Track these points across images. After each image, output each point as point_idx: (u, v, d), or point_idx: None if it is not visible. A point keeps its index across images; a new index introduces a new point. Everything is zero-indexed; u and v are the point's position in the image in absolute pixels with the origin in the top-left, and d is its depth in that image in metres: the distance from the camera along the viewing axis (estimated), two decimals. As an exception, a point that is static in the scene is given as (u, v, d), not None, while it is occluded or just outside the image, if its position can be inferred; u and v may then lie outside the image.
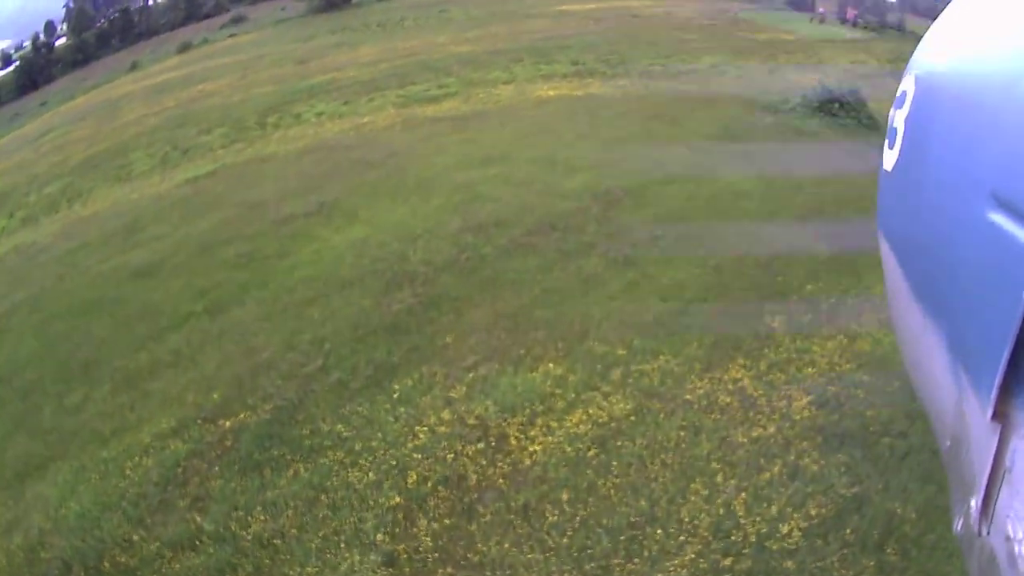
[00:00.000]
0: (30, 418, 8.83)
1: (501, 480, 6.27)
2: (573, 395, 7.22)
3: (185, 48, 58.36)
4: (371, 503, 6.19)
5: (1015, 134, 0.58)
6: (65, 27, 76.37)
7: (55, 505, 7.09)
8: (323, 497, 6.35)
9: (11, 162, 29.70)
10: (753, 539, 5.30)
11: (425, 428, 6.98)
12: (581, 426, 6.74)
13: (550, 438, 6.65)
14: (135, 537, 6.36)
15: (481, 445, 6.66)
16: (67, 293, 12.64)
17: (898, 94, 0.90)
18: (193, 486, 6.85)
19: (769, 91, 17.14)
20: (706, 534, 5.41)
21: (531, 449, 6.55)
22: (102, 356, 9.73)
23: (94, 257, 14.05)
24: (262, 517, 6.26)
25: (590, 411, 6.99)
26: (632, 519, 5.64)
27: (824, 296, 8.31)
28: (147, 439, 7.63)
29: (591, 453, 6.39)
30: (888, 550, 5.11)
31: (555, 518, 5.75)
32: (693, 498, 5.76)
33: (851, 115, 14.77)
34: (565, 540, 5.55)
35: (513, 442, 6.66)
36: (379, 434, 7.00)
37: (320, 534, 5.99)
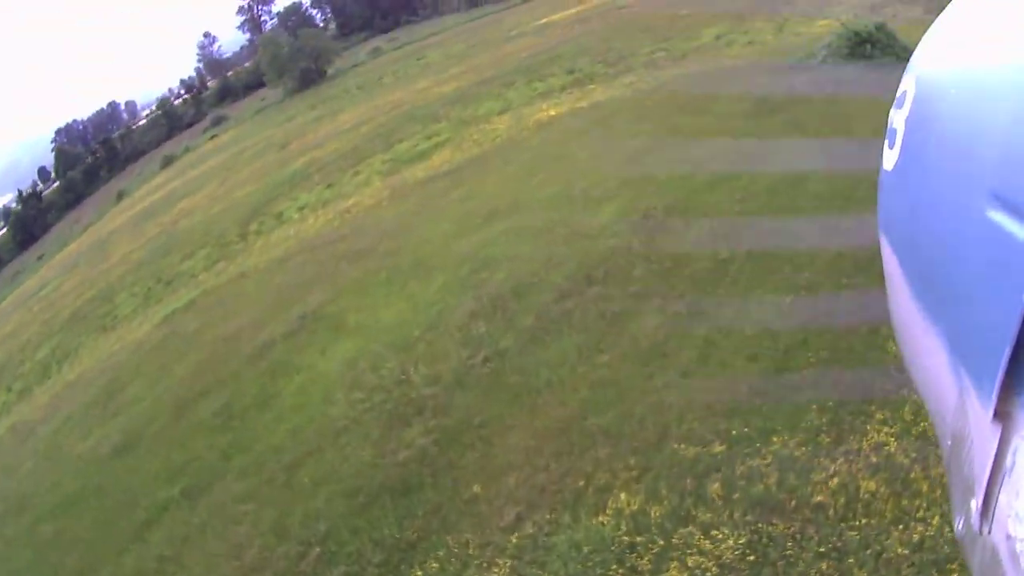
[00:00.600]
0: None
1: None
2: (662, 541, 5.21)
3: (168, 162, 58.35)
4: None
5: (1016, 133, 0.58)
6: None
7: None
8: None
9: (9, 327, 28.84)
10: None
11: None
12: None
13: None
14: None
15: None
16: (53, 487, 11.78)
17: (898, 94, 0.85)
18: None
19: (788, 49, 15.18)
20: None
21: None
22: (90, 563, 8.64)
23: (76, 434, 13.16)
24: None
25: (689, 562, 4.99)
26: None
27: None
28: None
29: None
30: None
31: None
32: None
33: (887, 52, 12.82)
34: None
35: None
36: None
37: None
